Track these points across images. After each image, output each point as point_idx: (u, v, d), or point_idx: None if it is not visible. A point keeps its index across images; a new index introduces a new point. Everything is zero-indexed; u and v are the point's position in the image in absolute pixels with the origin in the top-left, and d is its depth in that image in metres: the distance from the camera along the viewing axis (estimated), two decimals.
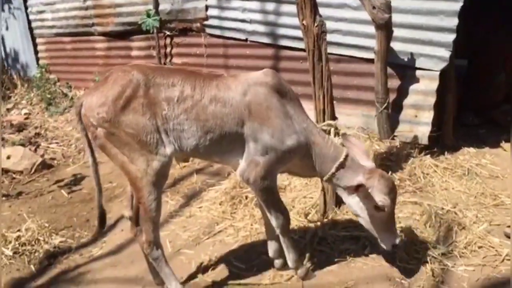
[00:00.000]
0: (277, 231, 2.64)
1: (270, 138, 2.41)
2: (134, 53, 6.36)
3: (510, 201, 3.24)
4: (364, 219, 2.55)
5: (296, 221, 3.29)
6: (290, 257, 2.72)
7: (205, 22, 5.44)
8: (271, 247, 2.85)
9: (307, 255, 2.90)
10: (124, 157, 2.37)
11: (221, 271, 2.97)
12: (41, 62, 7.66)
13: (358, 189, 2.43)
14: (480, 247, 2.82)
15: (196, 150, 2.44)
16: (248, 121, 2.41)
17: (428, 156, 3.86)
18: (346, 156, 2.54)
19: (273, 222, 2.60)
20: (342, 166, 2.51)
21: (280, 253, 2.82)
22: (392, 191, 2.44)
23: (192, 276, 2.95)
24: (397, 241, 2.53)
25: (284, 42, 4.87)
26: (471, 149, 4.09)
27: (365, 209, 2.50)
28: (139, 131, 2.31)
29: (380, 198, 2.42)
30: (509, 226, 2.88)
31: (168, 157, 2.40)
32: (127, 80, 2.33)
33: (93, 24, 6.65)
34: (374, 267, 2.78)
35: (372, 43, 4.04)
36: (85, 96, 2.39)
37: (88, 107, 2.34)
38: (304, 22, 2.91)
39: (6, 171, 4.80)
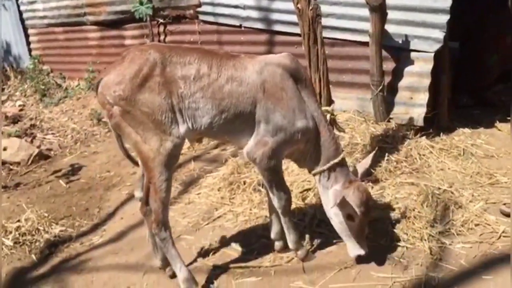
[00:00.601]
0: (279, 212, 2.68)
1: (282, 119, 2.46)
2: (128, 41, 6.34)
3: (505, 180, 3.28)
4: (335, 224, 2.64)
5: (294, 205, 3.30)
6: (290, 238, 2.75)
7: (198, 9, 5.42)
8: (273, 229, 2.88)
9: (307, 236, 2.94)
10: (138, 137, 2.38)
11: (221, 256, 3.00)
12: (33, 53, 7.61)
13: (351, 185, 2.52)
14: (476, 225, 2.85)
15: (209, 129, 2.45)
16: (262, 100, 2.44)
17: (424, 137, 3.90)
18: (342, 159, 2.62)
19: (275, 202, 2.64)
20: (334, 167, 2.60)
21: (281, 235, 2.85)
22: (363, 204, 2.49)
23: (193, 261, 2.97)
24: (362, 253, 2.62)
25: (278, 27, 4.86)
26: (466, 130, 4.13)
27: (338, 215, 2.59)
28: (155, 110, 2.32)
29: (352, 209, 2.50)
30: (504, 204, 2.92)
31: (181, 137, 2.41)
32: (144, 59, 2.35)
33: (85, 14, 6.61)
34: (372, 247, 2.80)
35: (367, 26, 4.04)
36: (103, 75, 2.41)
37: (105, 85, 2.36)
38: (299, 5, 2.92)
39: (3, 163, 4.80)
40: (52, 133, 5.65)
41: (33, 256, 3.33)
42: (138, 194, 2.74)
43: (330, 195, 2.60)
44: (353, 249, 2.62)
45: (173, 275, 2.83)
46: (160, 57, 2.35)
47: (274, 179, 2.57)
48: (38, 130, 5.77)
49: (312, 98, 2.60)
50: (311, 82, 2.64)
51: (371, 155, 2.78)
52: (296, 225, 2.91)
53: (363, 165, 2.75)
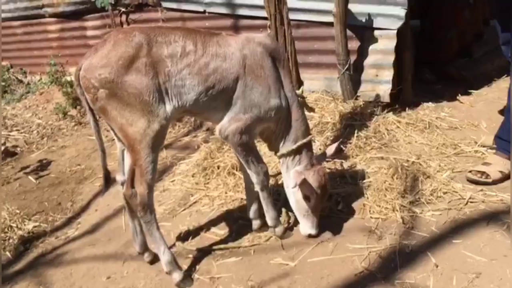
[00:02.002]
0: (257, 188, 2.72)
1: (258, 96, 2.53)
2: (89, 33, 6.20)
3: (469, 149, 3.42)
4: (292, 202, 2.77)
5: (270, 185, 3.36)
6: (269, 215, 2.81)
7: None
8: (251, 208, 2.93)
9: (283, 212, 2.99)
10: (123, 119, 2.37)
11: (201, 239, 3.03)
12: None
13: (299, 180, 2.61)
14: (444, 193, 2.96)
15: (194, 106, 2.48)
16: (243, 76, 2.50)
17: (391, 113, 3.99)
18: (309, 141, 2.74)
19: (254, 178, 2.69)
20: (301, 148, 2.70)
21: (259, 214, 2.90)
22: (321, 187, 2.66)
23: (173, 246, 2.99)
24: (314, 232, 2.76)
25: (242, 12, 4.85)
26: (430, 104, 4.25)
27: (296, 194, 2.71)
28: (142, 91, 2.32)
29: (310, 190, 2.63)
30: (470, 171, 3.02)
31: (167, 118, 2.42)
32: (129, 41, 2.34)
33: (43, 6, 6.42)
34: (347, 221, 2.90)
35: (330, 6, 4.09)
36: (84, 59, 2.38)
37: (89, 69, 2.33)
38: None
39: None
40: (17, 130, 5.50)
41: (8, 253, 3.28)
42: (120, 177, 2.73)
43: (292, 175, 2.70)
44: (305, 227, 2.77)
45: (153, 261, 2.85)
46: (145, 38, 2.36)
47: (249, 154, 2.63)
48: (2, 127, 5.61)
49: (287, 78, 2.68)
50: (288, 63, 2.73)
51: (336, 144, 2.89)
52: (274, 202, 2.97)
53: (328, 151, 2.87)
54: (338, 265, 2.57)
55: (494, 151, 3.19)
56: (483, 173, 3.00)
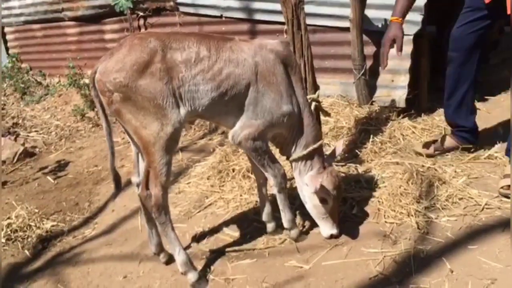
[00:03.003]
0: (275, 190, 2.74)
1: (270, 102, 2.55)
2: (108, 36, 6.30)
3: (485, 155, 3.39)
4: (310, 207, 2.78)
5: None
6: (286, 217, 2.83)
7: (178, 0, 5.41)
8: (264, 211, 2.95)
9: (298, 218, 3.01)
10: (138, 122, 2.41)
11: (215, 241, 3.06)
12: (11, 51, 7.50)
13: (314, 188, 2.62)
14: (460, 199, 2.95)
15: (206, 111, 2.51)
16: (255, 83, 2.52)
17: (406, 118, 4.00)
18: (320, 145, 2.75)
19: (271, 181, 2.71)
20: (313, 153, 2.73)
21: (272, 217, 2.93)
22: (336, 189, 2.69)
23: (188, 247, 3.02)
24: (335, 232, 2.79)
25: (259, 16, 4.90)
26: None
27: (312, 199, 2.73)
28: (156, 95, 2.36)
29: (325, 193, 2.66)
30: (502, 187, 2.93)
31: (181, 121, 2.45)
32: (144, 46, 2.38)
33: (62, 10, 6.54)
34: (362, 225, 2.90)
35: (346, 12, 4.12)
36: (100, 63, 2.43)
37: (104, 73, 2.38)
38: None
39: None
40: (36, 131, 5.61)
41: (27, 252, 3.34)
42: (135, 179, 2.77)
43: (307, 181, 2.72)
44: (326, 229, 2.79)
45: (168, 262, 2.89)
46: (160, 44, 2.40)
47: (264, 158, 2.65)
48: (21, 128, 5.72)
49: (299, 84, 2.71)
50: (299, 70, 2.75)
51: (341, 141, 2.97)
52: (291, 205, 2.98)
53: (337, 150, 2.92)
54: (352, 268, 2.58)
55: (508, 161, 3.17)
56: None
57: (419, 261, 2.54)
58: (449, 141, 3.49)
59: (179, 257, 2.65)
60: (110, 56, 2.42)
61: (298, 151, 2.75)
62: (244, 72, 2.50)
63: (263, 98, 2.54)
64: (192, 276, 2.67)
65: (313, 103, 2.92)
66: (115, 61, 2.37)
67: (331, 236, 2.79)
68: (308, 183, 2.70)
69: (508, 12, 2.90)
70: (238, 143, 2.61)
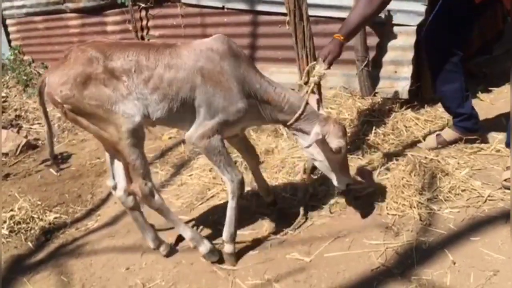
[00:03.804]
0: (229, 196, 2.69)
1: (222, 101, 2.52)
2: (109, 28, 6.27)
3: (489, 147, 3.37)
4: (322, 163, 2.71)
5: (286, 181, 3.39)
6: (228, 228, 2.73)
7: None
8: (264, 195, 3.12)
9: (301, 209, 3.00)
10: (95, 127, 2.52)
11: (217, 232, 3.04)
12: (13, 44, 7.47)
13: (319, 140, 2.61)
14: (463, 191, 2.94)
15: (161, 118, 2.56)
16: (201, 85, 2.50)
17: (409, 109, 3.98)
18: (305, 106, 2.67)
19: (228, 186, 2.67)
20: (300, 116, 2.66)
21: (271, 191, 3.12)
22: (345, 135, 2.69)
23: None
24: (351, 181, 2.79)
25: (261, 7, 4.87)
26: None
27: (323, 154, 2.67)
28: (104, 101, 2.44)
29: (336, 142, 2.61)
30: (505, 180, 2.93)
31: (136, 120, 2.49)
32: (85, 58, 2.45)
33: (64, 1, 6.49)
34: (364, 217, 2.90)
35: (349, 2, 4.08)
36: (47, 75, 2.50)
37: (51, 86, 2.46)
38: None
39: None
40: (38, 123, 5.60)
41: (30, 244, 3.35)
42: (110, 183, 2.84)
43: (313, 138, 2.61)
44: (343, 180, 2.74)
45: (169, 254, 2.91)
46: (101, 54, 2.46)
47: (220, 160, 2.60)
48: (24, 121, 5.72)
49: (251, 71, 2.63)
50: (247, 57, 2.71)
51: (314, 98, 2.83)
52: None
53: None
54: (354, 260, 2.58)
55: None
56: None
57: (421, 252, 2.53)
58: (450, 134, 3.47)
59: (186, 233, 2.76)
60: (55, 69, 2.49)
61: (287, 118, 2.69)
62: (186, 75, 2.49)
63: (214, 98, 2.51)
64: (203, 248, 2.75)
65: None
66: (60, 74, 2.45)
67: (347, 186, 2.76)
68: (318, 132, 2.60)
69: (507, 6, 2.88)
70: (193, 144, 2.61)
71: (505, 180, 2.90)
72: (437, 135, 3.51)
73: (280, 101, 2.66)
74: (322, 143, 2.63)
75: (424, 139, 3.55)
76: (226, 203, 3.26)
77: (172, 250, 2.92)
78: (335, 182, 2.76)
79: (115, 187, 2.84)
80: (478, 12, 3.16)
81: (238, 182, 2.64)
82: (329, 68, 2.87)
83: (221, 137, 2.60)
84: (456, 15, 3.13)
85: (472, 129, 3.42)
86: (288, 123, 2.69)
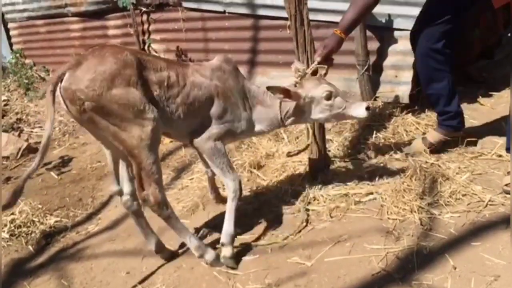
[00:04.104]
0: (230, 197, 2.77)
1: (229, 114, 2.76)
2: (111, 32, 6.29)
3: (489, 151, 3.37)
4: (333, 115, 2.80)
5: (287, 185, 3.38)
6: (227, 229, 2.77)
7: None
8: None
9: (302, 213, 3.00)
10: (116, 128, 2.41)
11: (218, 237, 3.05)
12: (15, 47, 7.51)
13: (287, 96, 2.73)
14: (464, 195, 2.94)
15: (176, 129, 2.71)
16: (215, 100, 2.73)
17: (410, 114, 3.98)
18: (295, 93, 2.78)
19: (229, 187, 2.77)
20: (280, 105, 2.84)
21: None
22: (320, 79, 2.85)
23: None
24: (366, 104, 2.76)
25: (262, 12, 4.88)
26: None
27: (325, 108, 2.77)
28: (135, 101, 2.39)
29: (319, 89, 2.76)
30: (506, 185, 2.92)
31: (160, 123, 2.51)
32: (120, 59, 2.39)
33: (66, 5, 6.53)
34: (365, 221, 2.90)
35: None
36: (66, 70, 2.36)
37: (75, 81, 2.33)
38: None
39: None
40: (39, 127, 5.62)
41: (30, 247, 3.36)
42: (115, 188, 2.81)
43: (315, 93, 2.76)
44: (358, 108, 2.76)
45: (169, 258, 2.92)
46: (136, 59, 2.46)
47: (223, 161, 2.75)
48: (25, 124, 5.74)
49: (244, 80, 2.90)
50: (238, 69, 2.92)
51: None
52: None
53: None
54: (355, 265, 2.58)
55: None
56: None
57: (422, 257, 2.53)
58: (435, 135, 3.45)
59: (191, 243, 2.73)
60: (78, 65, 2.36)
61: (281, 119, 2.87)
62: (206, 93, 2.69)
63: (223, 112, 2.74)
64: (209, 256, 2.75)
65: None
66: (86, 70, 2.34)
67: (368, 109, 2.74)
68: (317, 90, 2.75)
69: (495, 6, 2.90)
70: (199, 146, 2.75)
71: (506, 185, 2.90)
72: (422, 138, 3.50)
73: (271, 102, 2.87)
74: (313, 102, 2.77)
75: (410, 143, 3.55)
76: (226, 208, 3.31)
77: (173, 255, 2.94)
78: (356, 114, 2.77)
79: (120, 193, 2.79)
80: (464, 8, 3.16)
81: (238, 183, 2.76)
82: (323, 63, 2.93)
83: (224, 142, 2.79)
84: (439, 11, 3.14)
85: (456, 127, 3.42)
86: (279, 117, 2.85)
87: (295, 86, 2.86)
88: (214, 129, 2.73)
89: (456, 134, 3.44)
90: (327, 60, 2.95)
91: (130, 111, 2.38)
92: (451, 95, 3.38)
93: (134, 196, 2.74)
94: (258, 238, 2.97)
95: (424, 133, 3.63)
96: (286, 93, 2.70)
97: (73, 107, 2.37)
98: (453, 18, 3.18)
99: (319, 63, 2.92)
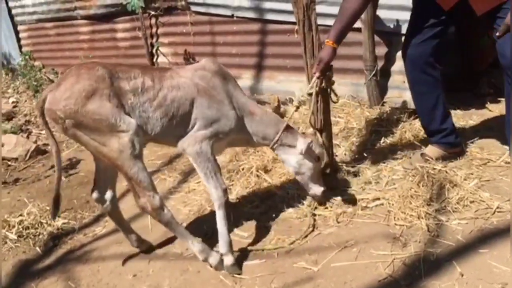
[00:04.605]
0: (215, 205, 2.76)
1: (215, 112, 2.75)
2: (119, 35, 6.34)
3: (498, 158, 3.36)
4: (305, 174, 2.96)
5: (293, 189, 3.38)
6: (223, 239, 2.76)
7: (190, 0, 5.43)
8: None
9: (308, 218, 3.00)
10: (96, 142, 2.53)
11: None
12: (24, 49, 7.59)
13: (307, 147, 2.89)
14: (471, 202, 2.92)
15: (159, 133, 2.68)
16: (198, 99, 2.73)
17: (417, 120, 3.95)
18: (287, 125, 2.96)
19: (213, 193, 2.75)
20: (285, 133, 2.93)
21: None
22: (321, 147, 3.06)
23: None
24: (325, 188, 3.03)
25: (270, 16, 4.90)
26: (458, 112, 4.20)
27: (307, 163, 2.93)
28: (108, 116, 2.47)
29: (318, 149, 2.97)
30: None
31: (137, 131, 2.57)
32: (92, 74, 2.50)
33: (75, 8, 6.59)
34: (371, 227, 2.89)
35: None
36: (48, 93, 2.51)
37: (53, 101, 2.46)
38: None
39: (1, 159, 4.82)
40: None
41: (38, 249, 3.37)
42: (95, 195, 2.95)
43: (304, 145, 2.87)
44: (318, 188, 3.01)
45: (148, 250, 3.04)
46: (107, 72, 2.53)
47: (208, 166, 2.72)
48: (34, 126, 5.78)
49: (237, 88, 2.93)
50: (232, 76, 2.97)
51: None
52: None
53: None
54: (361, 271, 2.58)
55: None
56: None
57: (429, 264, 2.52)
58: (435, 151, 3.38)
59: (194, 247, 2.75)
60: (57, 86, 2.50)
61: (273, 139, 2.93)
62: (186, 93, 2.70)
63: (208, 110, 2.73)
64: (213, 260, 2.77)
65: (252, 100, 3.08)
66: (64, 90, 2.46)
67: (324, 192, 3.00)
68: (301, 145, 2.89)
69: (478, 13, 2.89)
70: (184, 149, 2.75)
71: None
72: (421, 154, 3.42)
73: (264, 115, 2.96)
74: (308, 150, 2.89)
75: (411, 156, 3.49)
76: (234, 210, 3.32)
77: (151, 247, 3.08)
78: (314, 191, 3.01)
79: (99, 201, 2.95)
80: (452, 20, 3.11)
81: (222, 190, 2.74)
82: (323, 76, 2.97)
83: (211, 146, 2.76)
84: (426, 24, 3.10)
85: (454, 143, 3.38)
86: (278, 136, 2.91)
87: (297, 108, 3.09)
88: (200, 130, 2.72)
89: (455, 150, 3.41)
90: (325, 72, 2.96)
91: (104, 125, 2.47)
92: (445, 113, 3.33)
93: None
94: (264, 243, 2.97)
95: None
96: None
97: (57, 125, 2.51)
98: (444, 31, 3.13)
99: (318, 77, 2.97)
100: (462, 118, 4.06)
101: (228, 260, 2.76)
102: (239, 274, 2.74)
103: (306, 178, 2.98)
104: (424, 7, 3.11)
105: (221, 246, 2.77)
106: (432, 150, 3.40)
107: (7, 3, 7.46)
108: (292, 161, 2.96)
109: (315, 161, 2.95)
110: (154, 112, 2.62)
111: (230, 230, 3.10)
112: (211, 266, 2.79)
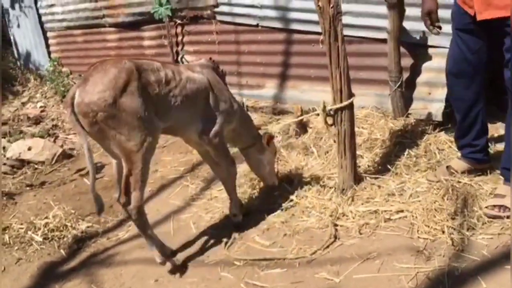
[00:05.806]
0: (227, 181, 3.30)
1: (224, 104, 3.13)
2: (146, 43, 6.44)
3: None
4: (266, 168, 3.49)
5: (316, 199, 3.37)
6: (234, 202, 3.33)
7: (216, 9, 5.48)
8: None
9: (330, 229, 2.99)
10: (122, 136, 2.61)
11: (246, 249, 3.08)
12: (53, 55, 7.76)
13: (269, 142, 3.45)
14: None
15: (177, 122, 2.93)
16: (210, 91, 3.05)
17: (443, 132, 3.92)
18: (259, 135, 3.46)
19: (226, 170, 3.23)
20: (258, 138, 3.45)
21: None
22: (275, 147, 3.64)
23: (218, 254, 3.05)
24: (277, 182, 3.57)
25: (295, 26, 4.92)
26: None
27: (270, 159, 3.48)
28: (139, 109, 2.60)
29: (275, 145, 3.55)
30: (486, 207, 2.90)
31: (159, 131, 2.81)
32: (120, 68, 2.60)
33: (103, 16, 6.72)
34: (395, 239, 2.87)
35: (384, 23, 4.09)
36: (77, 88, 2.58)
37: (85, 96, 2.52)
38: (320, 3, 2.96)
39: (28, 162, 4.96)
40: (74, 133, 5.77)
41: (62, 251, 3.44)
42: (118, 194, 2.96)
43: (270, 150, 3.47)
44: (273, 179, 3.55)
45: (174, 270, 2.98)
46: (134, 64, 2.65)
47: (224, 150, 3.19)
48: (60, 131, 5.91)
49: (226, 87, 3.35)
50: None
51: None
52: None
53: None
54: (384, 283, 2.55)
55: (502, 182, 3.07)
56: (500, 206, 2.88)
57: (453, 279, 2.48)
58: (461, 165, 3.32)
59: (155, 250, 2.93)
60: (85, 81, 2.57)
61: (251, 140, 3.40)
62: (200, 85, 2.99)
63: (220, 101, 3.10)
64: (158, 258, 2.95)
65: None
66: (95, 83, 2.53)
67: (274, 184, 3.53)
68: (268, 147, 3.45)
69: (478, 18, 2.83)
70: (209, 141, 3.05)
71: (486, 207, 2.90)
72: (447, 166, 3.37)
73: (248, 118, 3.51)
74: (270, 149, 3.44)
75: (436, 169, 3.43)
76: (255, 218, 3.33)
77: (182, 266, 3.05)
78: (271, 181, 3.52)
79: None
80: (486, 33, 2.96)
81: (234, 168, 3.27)
82: (436, 26, 3.16)
83: (224, 134, 3.17)
84: (463, 38, 3.05)
85: (482, 160, 3.30)
86: (247, 144, 3.40)
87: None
88: (218, 121, 3.07)
89: (482, 166, 3.33)
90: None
91: (135, 118, 2.58)
92: (482, 129, 3.26)
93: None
94: (286, 252, 2.97)
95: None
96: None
97: (85, 120, 2.55)
98: (480, 42, 3.03)
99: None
100: (489, 131, 3.98)
101: (238, 218, 3.34)
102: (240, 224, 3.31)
103: (264, 172, 3.51)
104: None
105: (234, 208, 3.31)
106: (458, 164, 3.35)
107: (37, 11, 7.65)
108: (260, 159, 3.45)
109: (273, 155, 3.53)
110: (175, 100, 2.82)
111: (251, 239, 3.15)
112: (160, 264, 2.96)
